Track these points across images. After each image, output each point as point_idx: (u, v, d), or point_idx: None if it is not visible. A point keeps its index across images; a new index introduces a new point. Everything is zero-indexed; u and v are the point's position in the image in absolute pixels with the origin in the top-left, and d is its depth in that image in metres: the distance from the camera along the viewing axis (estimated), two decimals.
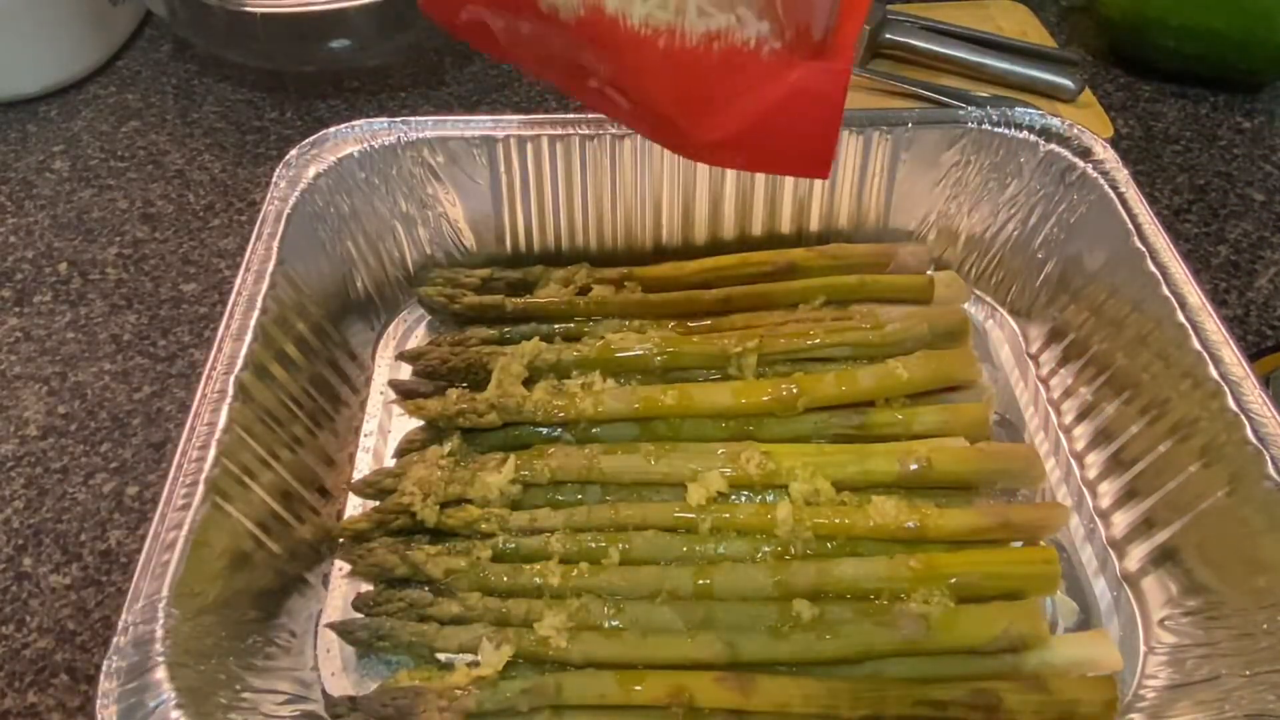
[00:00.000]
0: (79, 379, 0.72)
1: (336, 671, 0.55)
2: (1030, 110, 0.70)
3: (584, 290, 0.70)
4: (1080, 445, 0.65)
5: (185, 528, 0.49)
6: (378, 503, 0.60)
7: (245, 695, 0.49)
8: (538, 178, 0.71)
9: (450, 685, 0.51)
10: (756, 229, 0.74)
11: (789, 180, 0.71)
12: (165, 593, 0.47)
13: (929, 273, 0.71)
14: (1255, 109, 0.94)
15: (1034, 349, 0.71)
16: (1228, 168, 0.88)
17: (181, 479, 0.51)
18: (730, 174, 0.71)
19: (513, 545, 0.57)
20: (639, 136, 0.69)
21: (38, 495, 0.65)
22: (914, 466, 0.58)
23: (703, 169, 0.71)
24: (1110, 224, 0.64)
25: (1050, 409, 0.67)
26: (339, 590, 0.59)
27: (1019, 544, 0.57)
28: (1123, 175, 0.66)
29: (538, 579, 0.55)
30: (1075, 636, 0.55)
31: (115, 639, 0.46)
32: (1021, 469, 0.60)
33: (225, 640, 0.50)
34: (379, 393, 0.69)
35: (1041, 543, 0.58)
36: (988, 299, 0.75)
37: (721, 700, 0.50)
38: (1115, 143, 0.77)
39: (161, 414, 0.69)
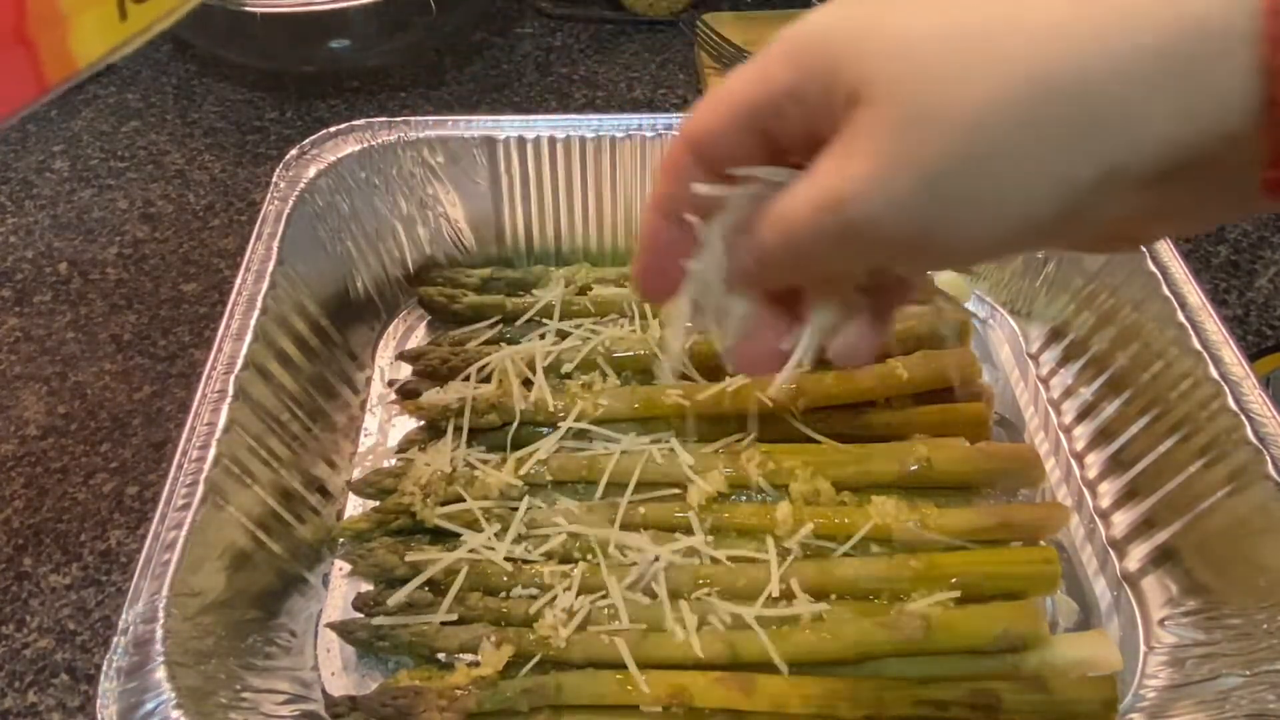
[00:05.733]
0: (79, 379, 0.72)
1: (336, 671, 0.55)
2: None
3: (584, 290, 0.70)
4: (1080, 445, 0.65)
5: (185, 528, 0.49)
6: (378, 503, 0.60)
7: (245, 695, 0.49)
8: (538, 178, 0.71)
9: (450, 685, 0.51)
10: None
11: None
12: (165, 593, 0.47)
13: (929, 272, 0.71)
14: None
15: (1034, 349, 0.71)
16: None
17: (181, 479, 0.51)
18: None
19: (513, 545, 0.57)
20: (639, 136, 0.69)
21: (38, 495, 0.65)
22: (914, 466, 0.58)
23: None
24: None
25: (1050, 409, 0.67)
26: (339, 590, 0.59)
27: (1019, 544, 0.57)
28: None
29: (538, 579, 0.55)
30: (1075, 636, 0.54)
31: (115, 639, 0.46)
32: (1021, 469, 0.60)
33: (225, 640, 0.50)
34: (379, 393, 0.69)
35: (1041, 543, 0.58)
36: (988, 299, 0.75)
37: (721, 700, 0.50)
38: None
39: (161, 414, 0.69)
